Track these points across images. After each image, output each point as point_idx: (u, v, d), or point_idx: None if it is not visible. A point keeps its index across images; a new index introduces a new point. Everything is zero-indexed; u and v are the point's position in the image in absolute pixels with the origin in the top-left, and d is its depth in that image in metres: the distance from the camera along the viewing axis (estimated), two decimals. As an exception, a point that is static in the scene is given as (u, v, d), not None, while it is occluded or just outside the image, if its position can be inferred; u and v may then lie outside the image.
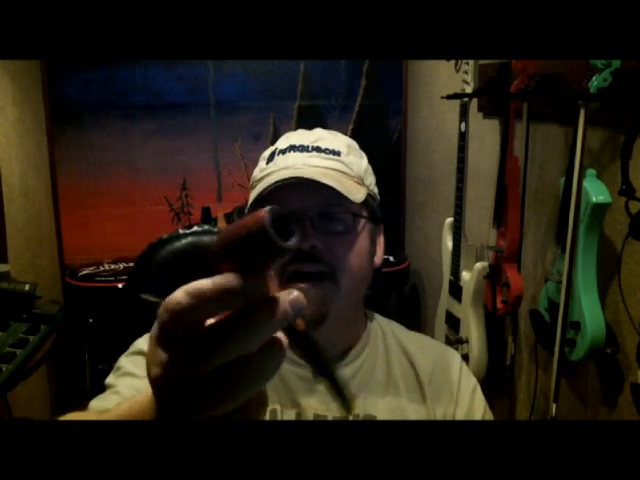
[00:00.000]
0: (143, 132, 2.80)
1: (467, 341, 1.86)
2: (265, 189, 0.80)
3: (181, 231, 1.10)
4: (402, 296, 2.98)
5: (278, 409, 0.82)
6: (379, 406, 0.85)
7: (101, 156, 2.78)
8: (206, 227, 1.12)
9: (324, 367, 0.41)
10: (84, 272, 2.59)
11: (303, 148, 0.85)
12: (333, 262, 0.81)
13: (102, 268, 2.64)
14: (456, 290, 1.93)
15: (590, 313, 1.34)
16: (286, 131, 0.95)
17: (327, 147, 0.86)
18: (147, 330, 1.08)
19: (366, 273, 0.87)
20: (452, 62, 2.21)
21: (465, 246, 1.90)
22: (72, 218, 2.80)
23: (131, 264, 2.64)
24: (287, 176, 0.80)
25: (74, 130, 2.75)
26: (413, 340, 0.94)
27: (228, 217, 2.92)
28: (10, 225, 2.16)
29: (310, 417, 0.82)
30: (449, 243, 1.98)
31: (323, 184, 0.79)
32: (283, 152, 0.86)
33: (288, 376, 0.84)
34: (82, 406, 0.54)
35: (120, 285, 2.47)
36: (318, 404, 0.83)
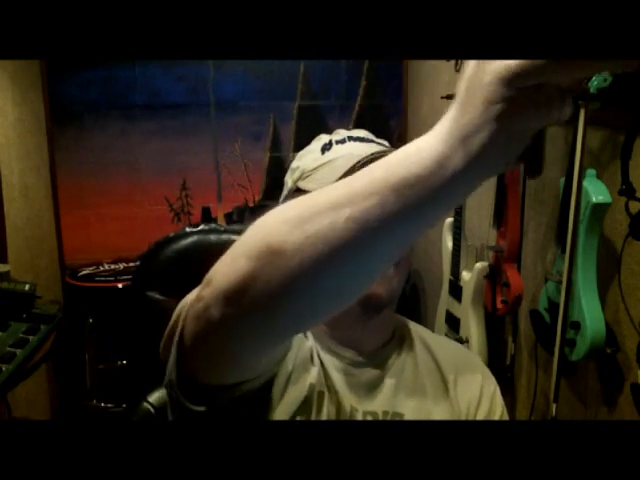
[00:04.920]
0: (143, 132, 2.80)
1: (467, 341, 1.86)
2: (353, 166, 0.76)
3: (188, 229, 1.10)
4: (402, 296, 2.98)
5: (326, 393, 0.82)
6: (407, 405, 0.86)
7: (101, 156, 2.78)
8: (213, 226, 1.12)
9: None
10: (84, 272, 2.59)
11: (360, 139, 0.87)
12: None
13: (102, 268, 2.64)
14: (456, 290, 1.93)
15: (590, 313, 1.34)
16: (286, 131, 0.96)
17: (379, 141, 0.88)
18: (151, 328, 1.08)
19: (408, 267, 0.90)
20: (452, 62, 2.21)
21: (465, 246, 1.90)
22: (72, 218, 2.80)
23: (131, 264, 2.66)
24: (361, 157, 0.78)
25: (74, 130, 2.75)
26: (436, 341, 0.96)
27: (228, 217, 2.92)
28: (10, 225, 2.16)
29: (347, 408, 0.82)
30: (449, 243, 1.98)
31: None
32: (342, 142, 0.87)
33: (328, 365, 0.84)
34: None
35: (120, 285, 2.47)
36: (352, 396, 0.84)
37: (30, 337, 1.63)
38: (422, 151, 0.44)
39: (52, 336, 1.73)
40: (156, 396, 1.01)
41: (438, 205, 0.45)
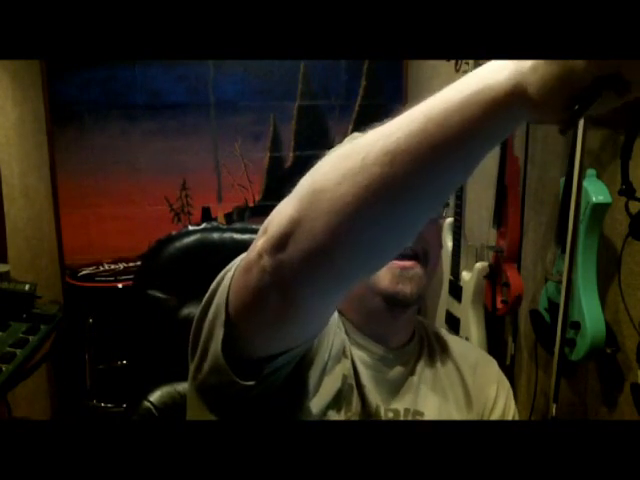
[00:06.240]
0: (143, 132, 2.80)
1: (467, 341, 1.86)
2: None
3: (190, 227, 1.10)
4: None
5: (354, 387, 0.82)
6: (427, 404, 0.87)
7: (101, 156, 2.78)
8: (215, 224, 1.12)
9: None
10: (84, 272, 2.59)
11: None
12: (426, 247, 0.84)
13: (102, 268, 2.64)
14: (456, 290, 1.93)
15: (590, 313, 1.34)
16: (286, 131, 0.96)
17: None
18: (152, 326, 1.08)
19: (438, 267, 0.90)
20: (452, 62, 2.20)
21: (465, 246, 1.90)
22: (72, 218, 2.80)
23: (131, 264, 2.66)
24: None
25: (74, 130, 2.75)
26: (452, 340, 0.97)
27: (228, 217, 2.92)
28: (10, 225, 2.16)
29: (372, 404, 0.83)
30: (449, 243, 1.98)
31: None
32: None
33: (357, 360, 0.85)
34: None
35: (120, 285, 2.47)
36: (378, 392, 0.84)
37: (30, 337, 1.63)
38: (460, 81, 0.45)
39: (52, 336, 1.73)
40: (157, 395, 1.01)
41: (474, 136, 0.45)
